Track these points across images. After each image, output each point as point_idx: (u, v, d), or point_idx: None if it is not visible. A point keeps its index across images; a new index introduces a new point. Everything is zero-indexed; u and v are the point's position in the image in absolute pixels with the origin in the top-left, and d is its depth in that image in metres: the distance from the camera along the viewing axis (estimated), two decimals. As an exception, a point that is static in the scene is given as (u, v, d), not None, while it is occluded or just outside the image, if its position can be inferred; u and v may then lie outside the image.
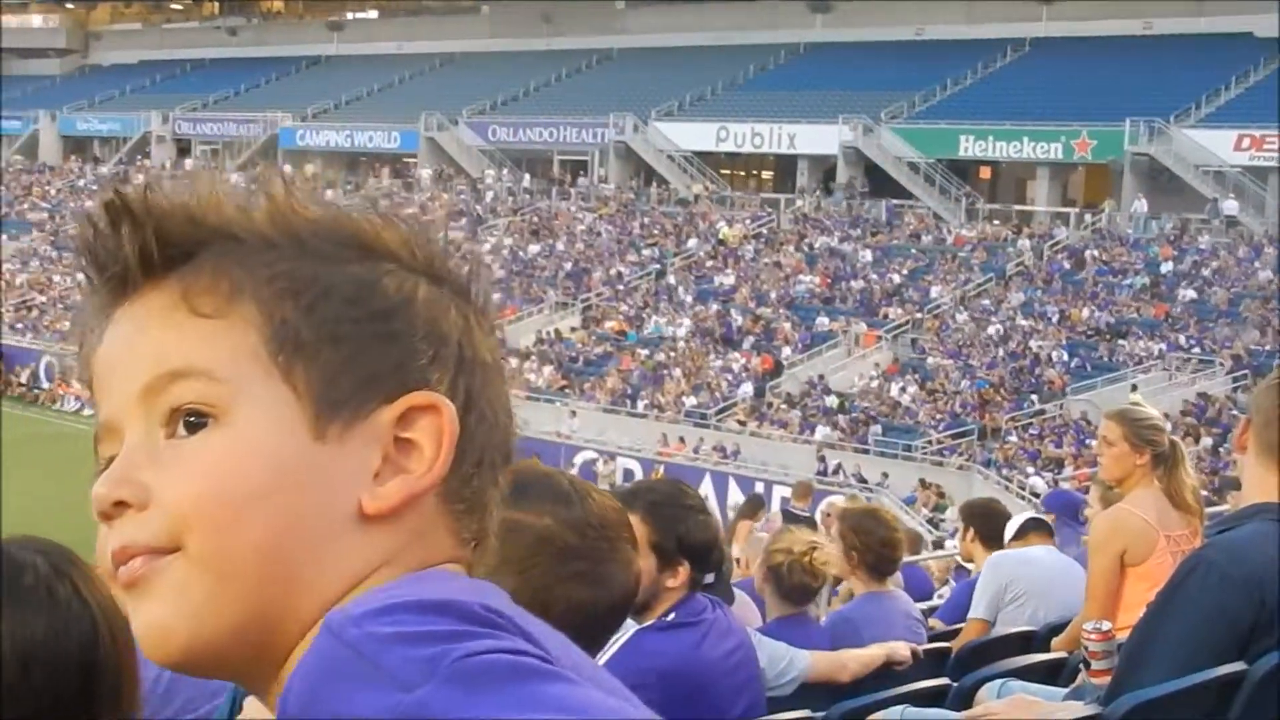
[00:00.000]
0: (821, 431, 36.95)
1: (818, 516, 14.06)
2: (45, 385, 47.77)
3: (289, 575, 1.06)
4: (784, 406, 38.84)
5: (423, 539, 1.10)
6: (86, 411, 44.39)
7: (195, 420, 1.07)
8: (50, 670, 1.81)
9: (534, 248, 52.52)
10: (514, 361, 44.23)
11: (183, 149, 70.88)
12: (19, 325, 52.42)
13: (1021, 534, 7.68)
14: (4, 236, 60.89)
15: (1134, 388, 30.76)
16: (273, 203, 1.17)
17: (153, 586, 1.06)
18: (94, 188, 65.05)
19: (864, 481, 33.57)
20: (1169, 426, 6.08)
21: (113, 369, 1.11)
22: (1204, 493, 5.38)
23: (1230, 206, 44.90)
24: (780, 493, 28.34)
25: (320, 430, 1.07)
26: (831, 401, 38.52)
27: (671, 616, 3.67)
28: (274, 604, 1.06)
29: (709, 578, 4.14)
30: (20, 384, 48.23)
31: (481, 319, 1.19)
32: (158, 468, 1.06)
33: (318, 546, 1.06)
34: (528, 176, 59.42)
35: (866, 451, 35.70)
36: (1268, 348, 35.88)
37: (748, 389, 39.89)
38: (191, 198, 1.17)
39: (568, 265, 50.52)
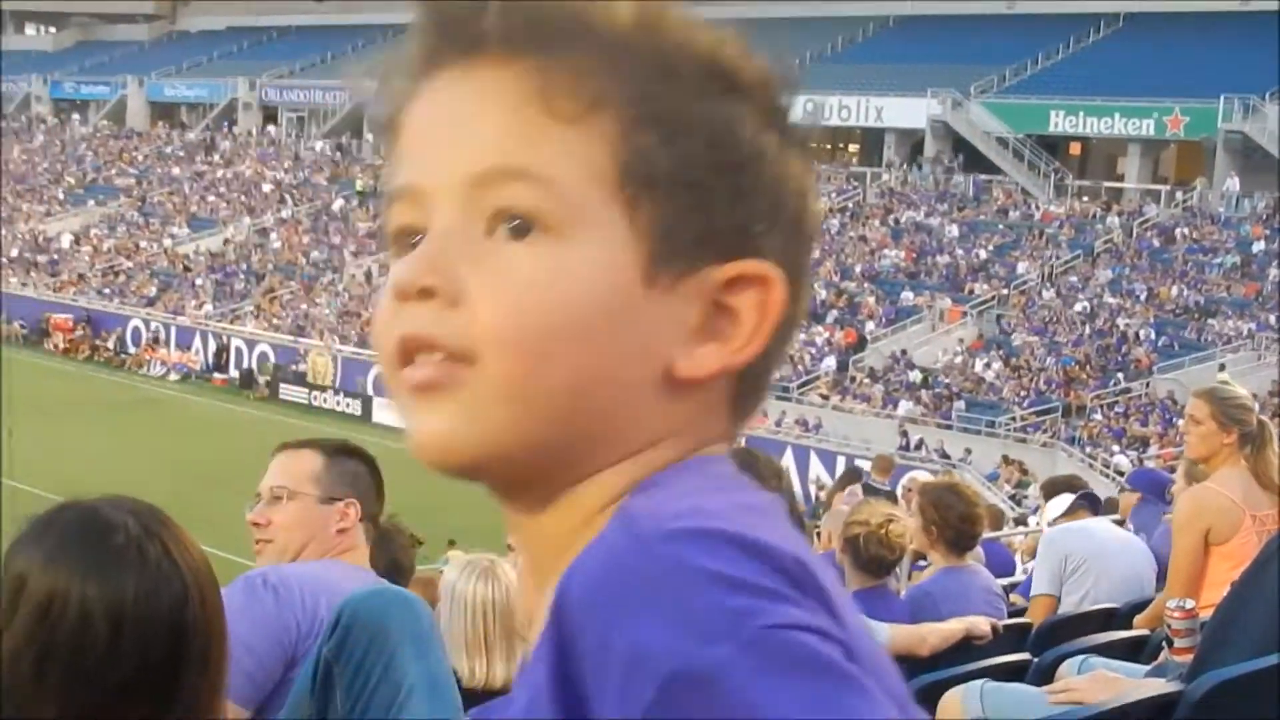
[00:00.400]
0: (904, 406, 36.82)
1: (899, 491, 14.07)
2: (132, 350, 48.46)
3: (587, 423, 1.00)
4: (867, 381, 38.73)
5: (709, 414, 1.05)
6: (172, 377, 45.14)
7: (520, 227, 1.00)
8: (141, 631, 1.80)
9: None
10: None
11: (269, 115, 71.50)
12: (106, 290, 53.18)
13: (1071, 512, 7.74)
14: (92, 202, 61.74)
15: (1222, 367, 30.45)
16: (642, 7, 1.06)
17: (447, 397, 1.00)
18: (180, 154, 65.84)
19: (946, 457, 33.43)
20: (1257, 406, 6.08)
21: (435, 136, 1.04)
22: None
23: (1325, 184, 44.20)
24: (862, 468, 28.33)
25: (651, 276, 1.01)
26: (915, 377, 38.37)
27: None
28: (564, 445, 1.01)
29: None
30: (107, 349, 48.96)
31: (814, 187, 1.10)
32: (475, 265, 1.00)
33: (621, 400, 1.01)
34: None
35: (949, 427, 35.55)
36: (1360, 329, 35.34)
37: (830, 363, 39.80)
38: None
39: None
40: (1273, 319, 37.64)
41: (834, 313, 42.63)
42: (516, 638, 4.09)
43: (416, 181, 1.04)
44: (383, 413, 40.38)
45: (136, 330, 49.07)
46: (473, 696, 3.82)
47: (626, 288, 1.00)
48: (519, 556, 1.11)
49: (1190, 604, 4.49)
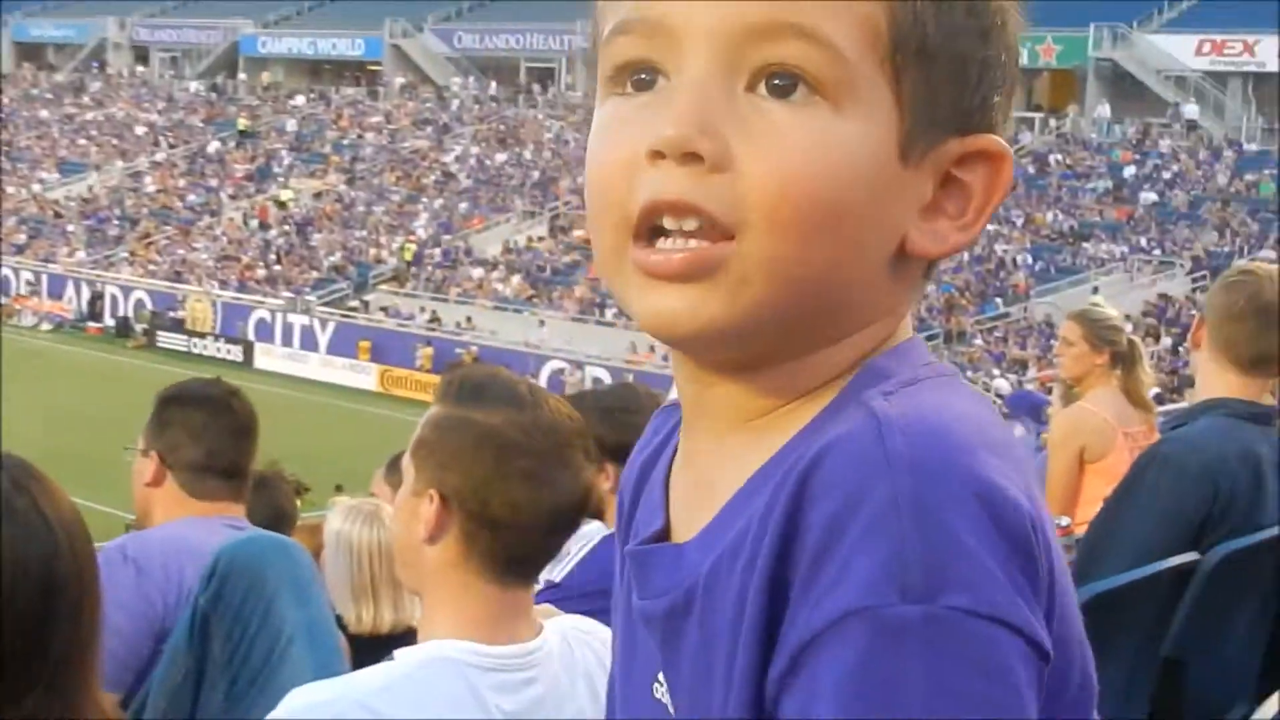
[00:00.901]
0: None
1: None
2: (1, 300, 47.22)
3: (831, 299, 0.97)
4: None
5: (913, 292, 1.04)
6: (45, 327, 44.24)
7: (786, 87, 0.94)
8: (9, 585, 1.73)
9: (500, 156, 52.22)
10: (480, 271, 44.18)
11: (140, 56, 70.00)
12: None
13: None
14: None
15: (1095, 290, 30.95)
16: None
17: (703, 276, 0.94)
18: (48, 96, 64.30)
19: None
20: (1129, 327, 6.20)
21: None
22: (1159, 391, 5.49)
23: (1191, 111, 44.94)
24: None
25: (906, 151, 0.97)
26: (798, 308, 38.57)
27: None
28: (807, 321, 0.98)
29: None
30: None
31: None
32: (741, 129, 0.93)
33: (862, 277, 0.98)
34: (494, 84, 58.97)
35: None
36: (1226, 249, 36.09)
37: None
38: None
39: (535, 174, 50.28)
40: (1143, 241, 38.31)
41: (716, 246, 42.66)
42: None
43: (668, 16, 0.96)
44: (266, 358, 40.02)
45: (6, 279, 47.97)
46: (359, 643, 3.80)
47: (886, 163, 0.96)
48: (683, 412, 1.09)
49: (1066, 521, 4.58)
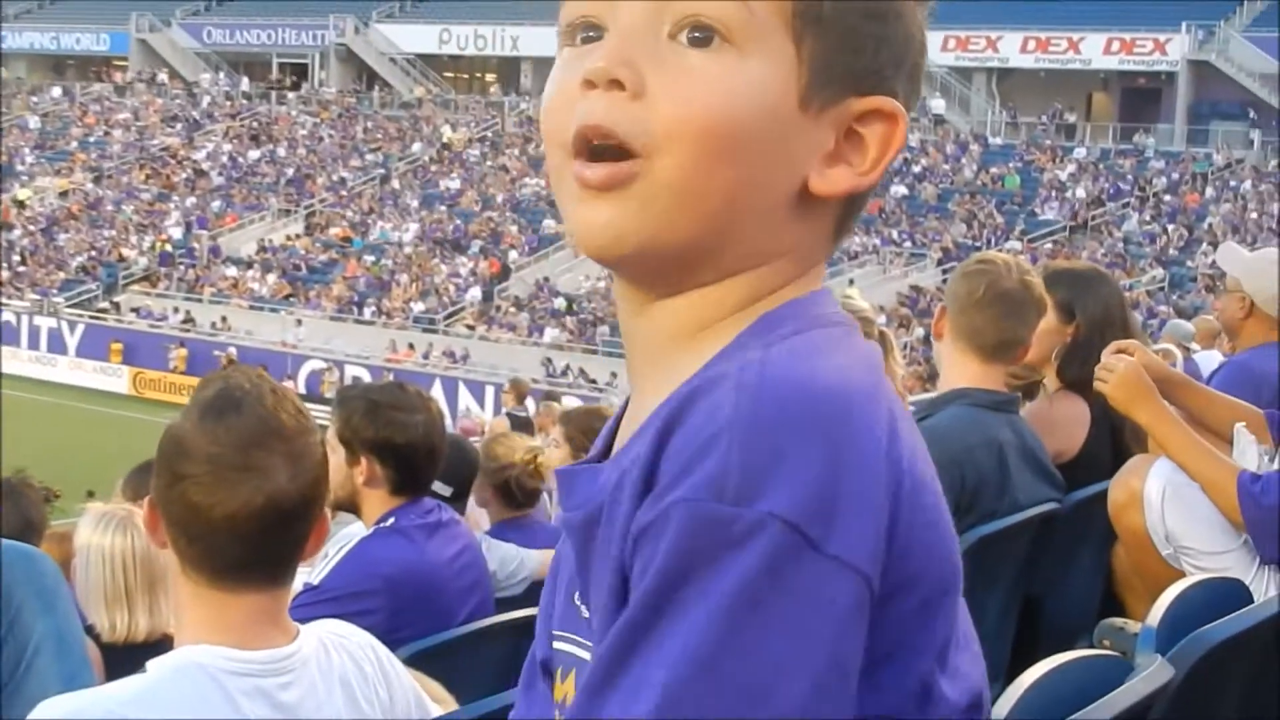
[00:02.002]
0: (550, 333, 37.17)
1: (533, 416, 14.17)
2: None
3: (734, 225, 1.11)
4: (512, 310, 38.92)
5: (817, 239, 1.17)
6: None
7: (703, 38, 1.09)
8: None
9: (254, 153, 51.30)
10: (235, 270, 43.33)
11: None
12: None
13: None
14: None
15: (851, 282, 31.69)
16: None
17: (620, 190, 1.08)
18: None
19: (593, 381, 33.92)
20: (881, 318, 6.35)
21: None
22: (910, 379, 5.64)
23: (938, 105, 46.32)
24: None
25: (805, 101, 1.11)
26: (559, 304, 38.74)
27: (391, 521, 3.71)
28: (712, 243, 1.11)
29: (444, 488, 4.20)
30: None
31: (926, 46, 1.22)
32: (659, 66, 1.09)
33: (764, 207, 1.12)
34: (246, 80, 57.87)
35: (595, 352, 36.06)
36: (974, 241, 37.30)
37: (476, 293, 39.84)
38: None
39: (289, 171, 49.51)
40: (895, 234, 39.37)
41: (477, 243, 42.61)
42: (160, 587, 3.98)
43: None
44: (13, 362, 38.59)
45: None
46: (114, 652, 3.71)
47: (786, 106, 1.10)
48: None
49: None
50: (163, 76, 59.04)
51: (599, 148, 1.09)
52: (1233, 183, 39.84)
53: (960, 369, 3.80)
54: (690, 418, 1.02)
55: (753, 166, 1.09)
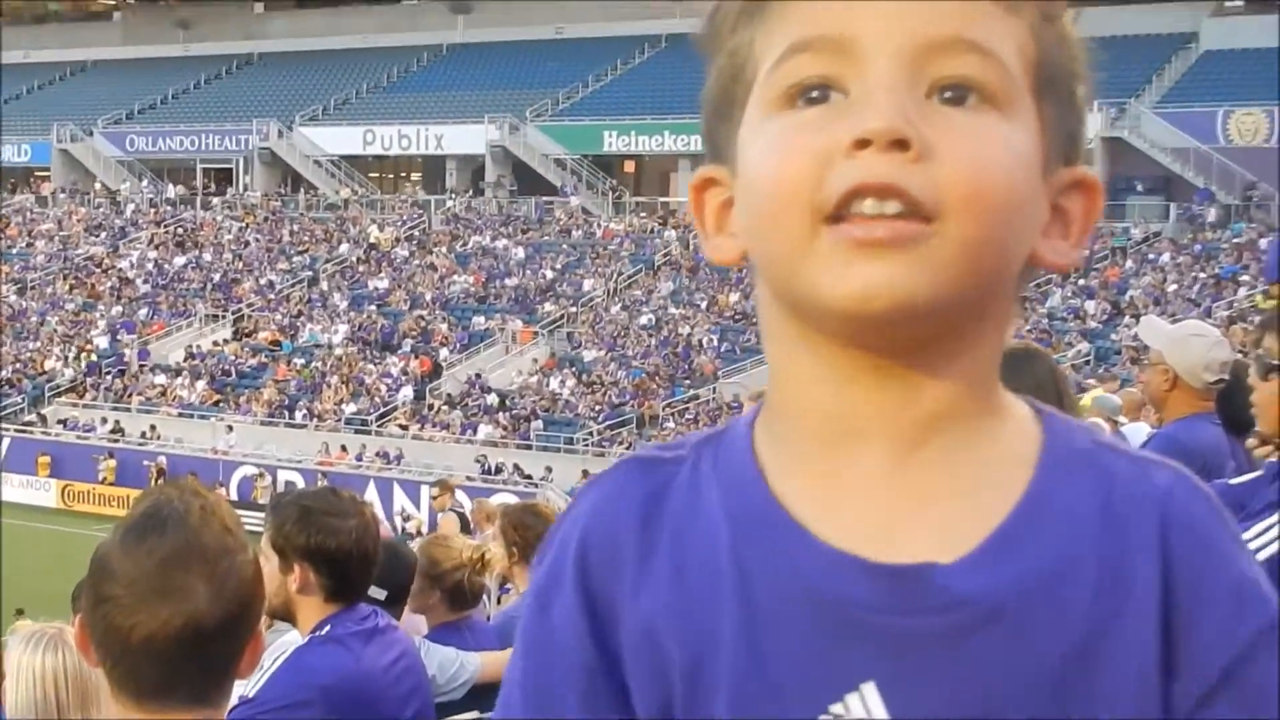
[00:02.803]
0: (484, 430, 37.05)
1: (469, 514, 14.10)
2: None
3: (1000, 290, 1.07)
4: (445, 408, 38.80)
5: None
6: None
7: (956, 96, 1.03)
8: None
9: (180, 260, 51.08)
10: (164, 378, 42.99)
11: None
12: None
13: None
14: None
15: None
16: None
17: (910, 250, 1.00)
18: None
19: (528, 477, 33.82)
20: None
21: None
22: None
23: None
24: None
25: (1046, 169, 1.07)
26: (492, 400, 38.67)
27: (327, 629, 3.66)
28: (979, 308, 1.06)
29: (379, 593, 4.16)
30: None
31: None
32: (933, 127, 1.02)
33: (1016, 271, 1.08)
34: (171, 187, 57.71)
35: (529, 447, 35.98)
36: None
37: (408, 392, 39.70)
38: None
39: (216, 276, 49.31)
40: (824, 319, 39.60)
41: (408, 342, 42.52)
42: (93, 706, 3.91)
43: (849, 34, 1.04)
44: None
45: None
46: (48, 770, 3.63)
47: (1038, 172, 1.06)
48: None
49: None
50: (86, 185, 58.79)
51: (873, 210, 1.02)
52: (1151, 255, 40.46)
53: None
54: (1187, 536, 1.07)
55: (1020, 229, 1.05)
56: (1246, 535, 3.27)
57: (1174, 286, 37.70)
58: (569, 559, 1.13)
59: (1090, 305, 38.36)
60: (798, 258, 1.03)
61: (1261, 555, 3.24)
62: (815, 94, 1.04)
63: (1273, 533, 3.26)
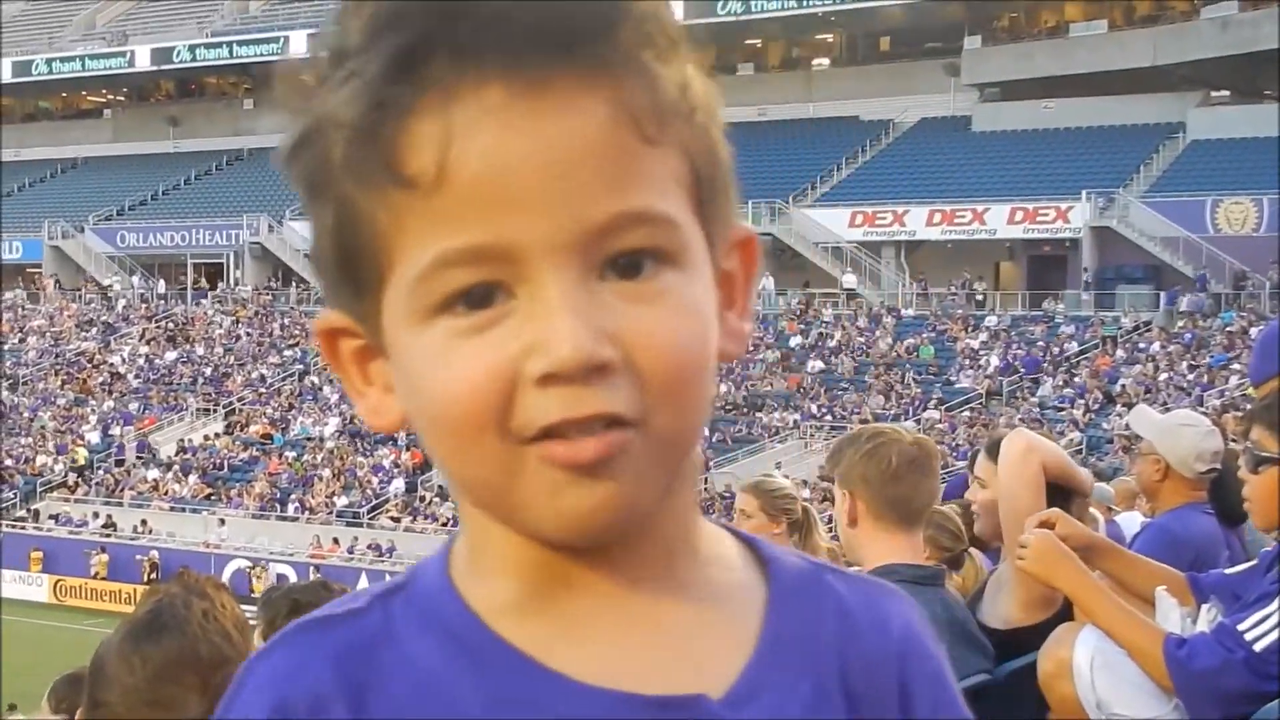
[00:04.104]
0: (475, 522, 36.90)
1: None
2: None
3: (700, 434, 1.00)
4: (437, 500, 38.68)
5: None
6: None
7: (631, 264, 0.92)
8: None
9: (171, 355, 51.09)
10: (156, 473, 42.87)
11: None
12: None
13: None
14: None
15: (778, 465, 31.77)
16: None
17: (619, 463, 0.91)
18: None
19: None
20: (805, 493, 6.38)
21: (525, 184, 0.90)
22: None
23: (849, 280, 47.03)
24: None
25: (717, 278, 0.98)
26: (484, 492, 38.53)
27: None
28: (682, 468, 0.98)
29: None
30: None
31: None
32: (619, 321, 0.91)
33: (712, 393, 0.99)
34: (161, 282, 57.82)
35: (521, 539, 35.82)
36: (893, 411, 37.63)
37: (399, 485, 39.58)
38: None
39: (207, 370, 49.32)
40: (814, 408, 39.66)
41: (402, 435, 42.45)
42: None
43: (503, 241, 0.90)
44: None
45: None
46: None
47: (716, 307, 0.98)
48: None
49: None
50: (77, 282, 58.90)
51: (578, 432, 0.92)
52: (1141, 345, 40.58)
53: (882, 545, 3.81)
54: (922, 654, 1.10)
55: (712, 375, 0.97)
56: (1243, 625, 3.28)
57: (1165, 375, 37.79)
58: None
59: (1083, 394, 38.40)
60: (498, 481, 0.93)
61: (1260, 645, 3.25)
62: (477, 293, 0.92)
63: (1270, 621, 3.26)
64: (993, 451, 4.14)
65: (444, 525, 37.36)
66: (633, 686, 0.98)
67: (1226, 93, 49.04)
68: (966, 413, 38.36)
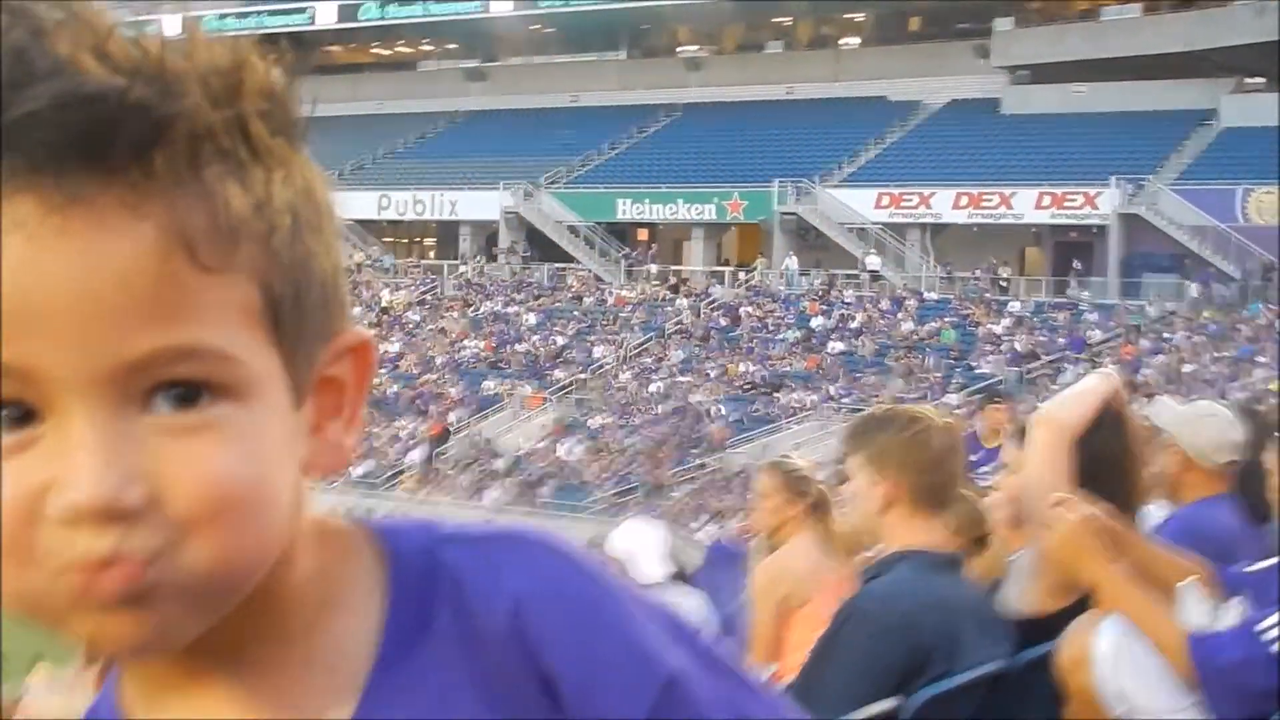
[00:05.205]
0: (491, 495, 36.97)
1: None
2: None
3: (272, 555, 0.91)
4: (451, 471, 38.75)
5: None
6: None
7: (183, 394, 0.85)
8: None
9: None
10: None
11: None
12: None
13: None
14: None
15: (797, 446, 31.75)
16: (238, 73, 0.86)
17: (140, 601, 0.85)
18: None
19: (536, 543, 33.67)
20: (822, 474, 6.33)
21: (53, 306, 0.81)
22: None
23: (873, 262, 46.90)
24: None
25: (295, 397, 0.91)
26: (500, 464, 38.61)
27: None
28: (245, 584, 0.90)
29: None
30: None
31: None
32: (155, 459, 0.84)
33: (279, 536, 0.91)
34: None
35: (537, 512, 35.87)
36: (913, 395, 37.55)
37: (416, 455, 39.66)
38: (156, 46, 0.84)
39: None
40: (833, 390, 39.59)
41: (417, 405, 42.52)
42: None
43: (25, 365, 0.82)
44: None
45: None
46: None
47: (288, 423, 0.90)
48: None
49: (773, 668, 4.60)
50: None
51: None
52: (1166, 334, 40.40)
53: (905, 528, 3.77)
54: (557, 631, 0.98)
55: (277, 508, 0.89)
56: (1266, 624, 3.22)
57: (1189, 367, 37.63)
58: None
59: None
60: (29, 603, 0.86)
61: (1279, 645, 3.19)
62: (6, 411, 0.84)
63: (1292, 619, 3.21)
64: (1020, 437, 4.09)
65: (460, 496, 37.44)
66: None
67: (1261, 80, 48.66)
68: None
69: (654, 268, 50.20)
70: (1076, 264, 45.55)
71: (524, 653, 0.95)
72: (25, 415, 0.84)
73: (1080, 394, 4.14)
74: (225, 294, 0.85)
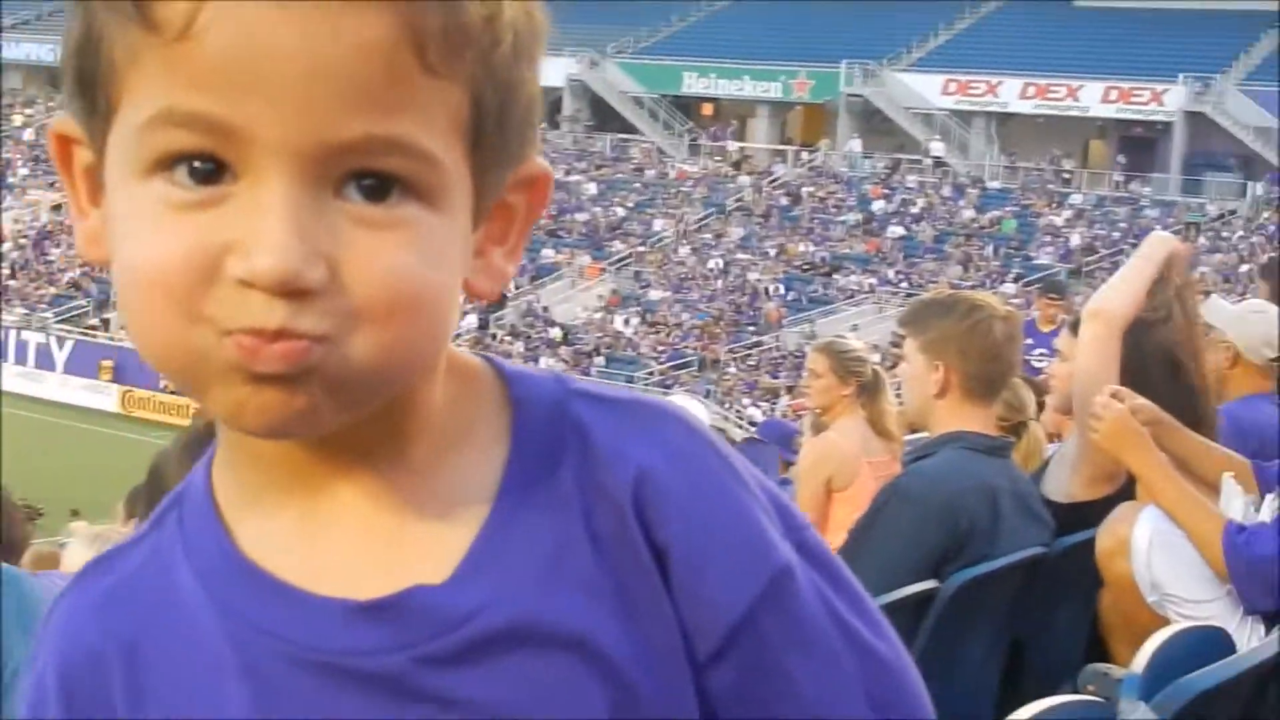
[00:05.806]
0: (545, 363, 37.14)
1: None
2: None
3: (430, 367, 0.96)
4: (508, 338, 38.92)
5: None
6: None
7: (377, 186, 0.87)
8: None
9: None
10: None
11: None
12: None
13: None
14: None
15: (855, 328, 31.70)
16: None
17: (296, 381, 0.86)
18: None
19: (586, 413, 33.87)
20: (876, 358, 6.36)
21: (280, 74, 0.83)
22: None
23: (937, 148, 46.46)
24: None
25: (476, 218, 0.94)
26: (555, 333, 38.75)
27: None
28: (399, 388, 0.93)
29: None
30: None
31: None
32: (340, 242, 0.86)
33: (438, 351, 0.96)
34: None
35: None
36: (970, 283, 37.36)
37: (471, 320, 39.83)
38: None
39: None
40: (891, 274, 39.43)
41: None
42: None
43: (236, 122, 0.84)
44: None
45: None
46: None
47: (467, 241, 0.93)
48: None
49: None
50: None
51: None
52: (1225, 234, 39.96)
53: (956, 414, 3.81)
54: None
55: (446, 321, 0.92)
56: (1304, 518, 3.26)
57: (1245, 266, 37.24)
58: (50, 699, 1.00)
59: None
60: (178, 361, 0.88)
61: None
62: (198, 164, 0.86)
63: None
64: (1075, 327, 4.11)
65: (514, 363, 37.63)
66: (359, 592, 0.95)
67: (1338, -22, 47.58)
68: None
69: (730, 144, 49.85)
70: (1120, 159, 44.94)
71: (641, 521, 0.96)
72: (211, 173, 0.86)
73: (1134, 272, 4.16)
74: (440, 97, 0.87)
